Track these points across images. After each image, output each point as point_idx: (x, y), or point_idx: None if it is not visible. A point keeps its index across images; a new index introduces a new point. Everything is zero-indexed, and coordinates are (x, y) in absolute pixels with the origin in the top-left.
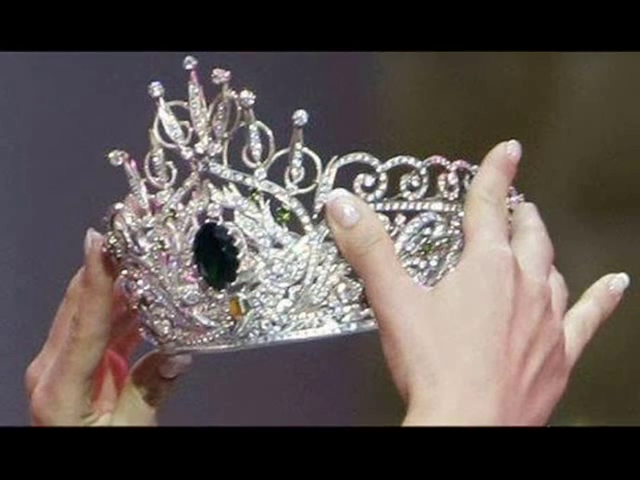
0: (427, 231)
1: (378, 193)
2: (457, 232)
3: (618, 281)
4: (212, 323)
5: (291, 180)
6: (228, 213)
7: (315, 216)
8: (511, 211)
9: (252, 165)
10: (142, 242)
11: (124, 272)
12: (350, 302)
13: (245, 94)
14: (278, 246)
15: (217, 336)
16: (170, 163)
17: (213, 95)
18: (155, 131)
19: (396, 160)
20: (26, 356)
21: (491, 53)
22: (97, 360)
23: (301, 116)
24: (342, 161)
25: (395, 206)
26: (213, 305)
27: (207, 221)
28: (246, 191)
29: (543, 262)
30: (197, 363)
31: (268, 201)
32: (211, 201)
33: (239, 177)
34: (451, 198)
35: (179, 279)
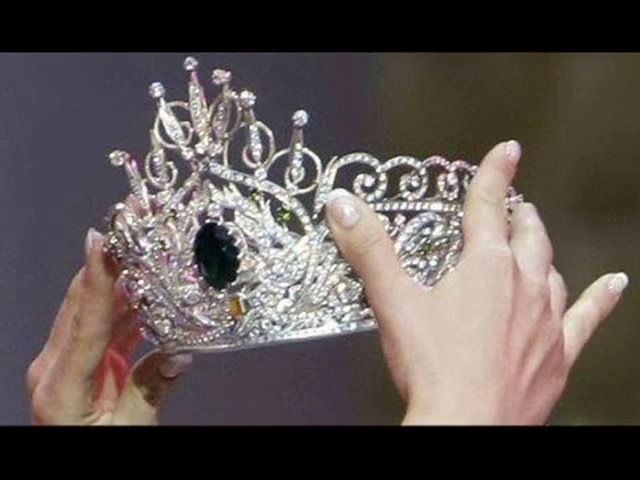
0: (427, 231)
1: (378, 193)
2: (456, 232)
3: (617, 281)
4: (212, 323)
5: (291, 180)
6: (228, 213)
7: (315, 216)
8: (510, 211)
9: (252, 165)
10: (143, 242)
11: (125, 272)
12: (350, 302)
13: (245, 95)
14: (278, 246)
15: (217, 336)
16: (171, 163)
17: (214, 96)
18: (156, 131)
19: (396, 160)
20: (27, 356)
21: (490, 54)
22: (98, 360)
23: (301, 116)
24: (342, 161)
25: (395, 206)
26: (213, 305)
27: (207, 221)
28: (246, 191)
29: (542, 262)
30: (198, 363)
31: (268, 201)
32: (211, 201)
33: (239, 177)
34: (450, 198)
35: (180, 279)
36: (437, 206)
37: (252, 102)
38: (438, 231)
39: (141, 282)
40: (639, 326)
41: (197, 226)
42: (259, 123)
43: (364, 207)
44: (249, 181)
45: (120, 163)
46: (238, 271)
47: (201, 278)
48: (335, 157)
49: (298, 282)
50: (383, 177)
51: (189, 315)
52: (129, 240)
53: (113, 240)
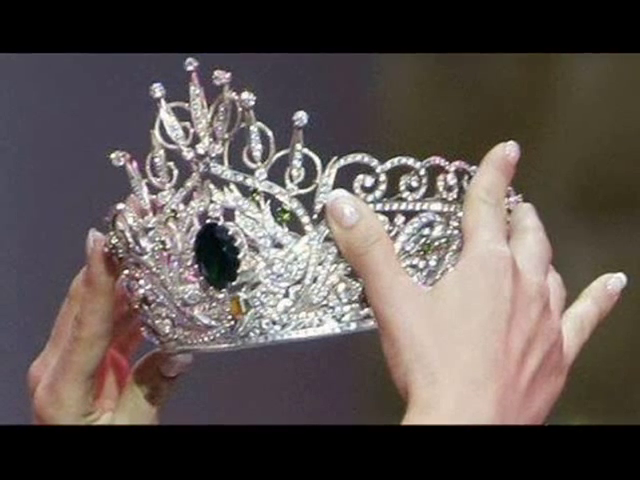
0: (426, 231)
1: (378, 193)
2: (456, 232)
3: (616, 281)
4: (213, 322)
5: (291, 180)
6: (229, 213)
7: (315, 216)
8: (510, 211)
9: (253, 166)
10: (143, 242)
11: (125, 272)
12: (350, 302)
13: (246, 95)
14: (278, 246)
15: (218, 335)
16: (171, 164)
17: (214, 96)
18: (156, 132)
19: (395, 161)
20: (28, 355)
21: (490, 54)
22: (99, 359)
23: (301, 117)
24: (342, 162)
25: (394, 206)
26: (214, 304)
27: (208, 221)
28: (247, 191)
29: (541, 262)
30: (198, 362)
31: (268, 201)
32: (212, 201)
33: (240, 177)
34: (450, 198)
35: (180, 279)
36: (436, 206)
37: (252, 102)
38: (438, 231)
39: (142, 282)
40: (638, 326)
41: (198, 226)
42: (259, 123)
43: (364, 207)
44: (249, 181)
45: (121, 163)
46: (238, 271)
47: (201, 278)
48: (335, 157)
49: (298, 282)
50: (383, 177)
51: (189, 315)
52: (130, 240)
53: (114, 240)
